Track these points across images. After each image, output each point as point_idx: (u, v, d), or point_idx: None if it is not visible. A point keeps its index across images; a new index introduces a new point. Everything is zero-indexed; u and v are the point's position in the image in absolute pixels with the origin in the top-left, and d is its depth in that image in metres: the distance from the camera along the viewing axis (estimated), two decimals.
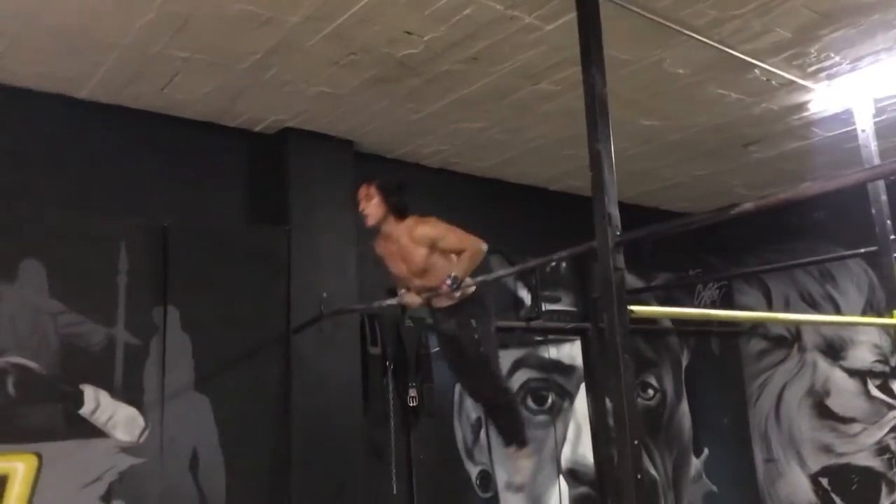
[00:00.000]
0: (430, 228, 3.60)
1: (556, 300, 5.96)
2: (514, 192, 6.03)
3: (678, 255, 6.91)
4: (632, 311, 2.85)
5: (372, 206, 3.65)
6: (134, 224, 4.03)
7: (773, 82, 4.38)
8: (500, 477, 5.34)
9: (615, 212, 2.88)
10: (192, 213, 4.32)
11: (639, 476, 2.71)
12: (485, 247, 3.60)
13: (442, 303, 3.74)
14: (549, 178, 6.04)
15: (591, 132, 2.95)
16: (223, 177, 4.57)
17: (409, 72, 4.01)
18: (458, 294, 3.60)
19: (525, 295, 5.82)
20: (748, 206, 2.43)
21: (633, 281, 6.70)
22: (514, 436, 3.73)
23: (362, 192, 3.70)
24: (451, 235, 3.59)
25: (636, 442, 2.73)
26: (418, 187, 5.45)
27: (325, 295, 4.49)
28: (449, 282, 3.46)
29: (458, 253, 3.57)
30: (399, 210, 3.67)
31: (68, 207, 3.91)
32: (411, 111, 4.56)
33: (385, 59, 3.86)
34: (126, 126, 4.22)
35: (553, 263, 5.97)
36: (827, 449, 6.74)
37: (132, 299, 3.93)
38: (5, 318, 3.54)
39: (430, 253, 3.59)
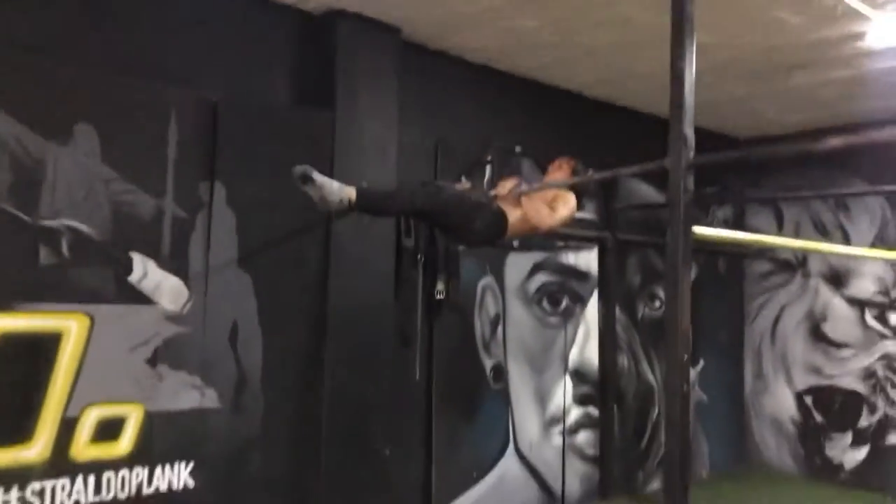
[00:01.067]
0: (561, 205, 3.96)
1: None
2: (549, 96, 5.96)
3: (696, 172, 6.91)
4: (695, 233, 2.94)
5: (559, 174, 4.11)
6: (185, 96, 3.97)
7: (839, 9, 4.30)
8: (513, 370, 5.59)
9: (691, 133, 2.91)
10: (240, 90, 4.26)
11: (685, 388, 2.88)
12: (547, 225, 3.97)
13: None
14: (586, 83, 5.96)
15: (674, 50, 2.93)
16: (271, 55, 4.47)
17: None
18: (509, 190, 3.82)
19: None
20: (836, 141, 2.46)
21: (651, 193, 6.78)
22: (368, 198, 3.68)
23: (564, 161, 4.14)
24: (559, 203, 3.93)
25: (686, 357, 2.89)
26: (456, 82, 5.44)
27: (364, 184, 4.50)
28: (522, 184, 3.86)
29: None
30: (574, 191, 4.04)
31: (120, 72, 3.84)
32: (467, 2, 4.43)
33: None
34: None
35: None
36: (816, 370, 7.07)
37: (180, 172, 3.93)
38: (61, 180, 3.54)
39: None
